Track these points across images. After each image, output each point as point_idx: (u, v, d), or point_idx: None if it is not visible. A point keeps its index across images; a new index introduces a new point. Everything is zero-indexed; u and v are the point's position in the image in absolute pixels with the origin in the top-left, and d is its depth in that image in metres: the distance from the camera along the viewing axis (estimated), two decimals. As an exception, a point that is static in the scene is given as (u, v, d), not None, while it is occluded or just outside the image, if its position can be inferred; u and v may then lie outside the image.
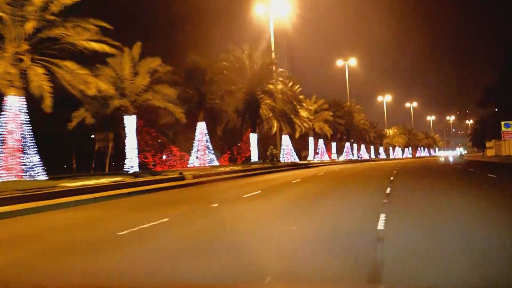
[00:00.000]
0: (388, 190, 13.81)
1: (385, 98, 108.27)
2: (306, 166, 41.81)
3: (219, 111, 37.87)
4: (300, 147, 73.90)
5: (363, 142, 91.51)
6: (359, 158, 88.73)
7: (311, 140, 64.42)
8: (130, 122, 26.39)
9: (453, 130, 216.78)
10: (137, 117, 27.06)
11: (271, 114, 47.90)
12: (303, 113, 55.00)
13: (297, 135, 59.66)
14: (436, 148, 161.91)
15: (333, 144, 75.33)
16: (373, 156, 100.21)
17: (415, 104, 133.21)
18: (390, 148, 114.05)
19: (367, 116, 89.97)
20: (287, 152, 54.92)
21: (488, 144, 75.20)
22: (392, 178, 19.70)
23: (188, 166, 35.53)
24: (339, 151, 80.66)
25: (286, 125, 48.49)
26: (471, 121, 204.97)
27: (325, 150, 69.54)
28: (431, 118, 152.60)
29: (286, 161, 53.79)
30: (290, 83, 54.75)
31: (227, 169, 27.90)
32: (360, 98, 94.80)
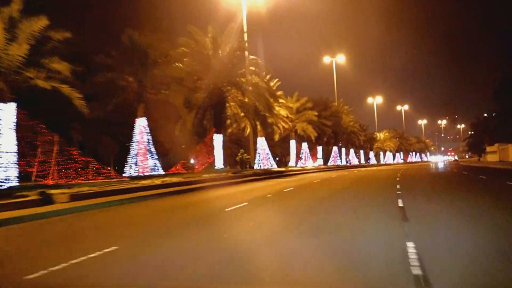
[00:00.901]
0: (411, 250, 5.25)
1: (376, 100, 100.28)
2: (281, 175, 33.03)
3: (166, 105, 28.92)
4: (284, 152, 65.19)
5: (352, 146, 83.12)
6: (348, 164, 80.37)
7: (292, 143, 55.71)
8: (5, 113, 17.44)
9: (442, 135, 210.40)
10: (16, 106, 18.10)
11: (242, 114, 39.21)
12: (282, 112, 46.34)
13: (276, 137, 51.13)
14: (428, 153, 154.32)
15: (319, 149, 66.77)
16: (362, 161, 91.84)
17: (406, 107, 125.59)
18: (381, 153, 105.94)
19: (356, 118, 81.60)
20: (263, 157, 46.15)
21: (489, 149, 67.10)
22: (401, 204, 11.01)
23: (123, 175, 26.68)
24: (326, 156, 72.22)
25: (260, 125, 39.82)
26: (463, 126, 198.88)
27: (309, 154, 60.91)
28: (422, 122, 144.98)
29: (262, 167, 45.06)
30: (268, 77, 46.19)
31: (157, 181, 19.05)
32: (348, 100, 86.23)
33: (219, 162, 35.59)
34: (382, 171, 39.05)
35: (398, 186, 16.83)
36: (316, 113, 53.92)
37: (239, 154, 39.78)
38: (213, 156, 36.27)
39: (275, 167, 46.25)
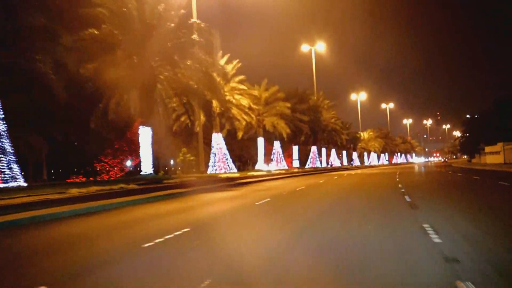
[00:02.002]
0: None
1: (359, 96, 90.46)
2: (229, 184, 22.36)
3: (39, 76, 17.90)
4: (255, 153, 54.54)
5: (334, 146, 73.09)
6: (329, 166, 70.43)
7: (260, 141, 45.19)
8: None
9: (425, 136, 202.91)
10: None
11: (178, 99, 28.58)
12: (244, 101, 35.76)
13: (240, 134, 40.73)
14: (414, 154, 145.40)
15: (295, 149, 56.49)
16: (345, 163, 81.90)
17: (391, 105, 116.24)
18: (365, 154, 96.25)
19: (338, 115, 71.25)
20: (219, 158, 35.64)
21: (489, 149, 57.64)
22: None
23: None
24: (303, 157, 62.07)
25: (205, 116, 29.28)
26: (448, 126, 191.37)
27: (282, 155, 50.48)
28: (408, 121, 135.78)
29: (218, 171, 34.62)
30: (225, 58, 35.74)
31: None
32: (330, 97, 75.33)
33: (146, 166, 25.05)
34: (370, 177, 28.84)
35: (428, 229, 6.52)
36: (288, 105, 43.52)
37: (180, 154, 29.27)
38: (139, 157, 25.83)
39: (234, 171, 35.72)
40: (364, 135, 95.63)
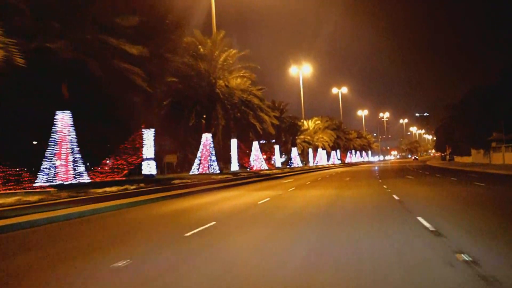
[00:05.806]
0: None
1: (302, 71, 60.05)
2: None
3: None
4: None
5: (256, 136, 42.29)
6: (248, 169, 40.04)
7: None
8: None
9: (374, 134, 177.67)
10: None
11: None
12: None
13: None
14: (369, 152, 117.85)
15: (147, 135, 25.00)
16: (278, 163, 51.65)
17: (344, 89, 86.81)
18: (310, 151, 66.25)
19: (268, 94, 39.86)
20: None
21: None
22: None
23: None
24: (181, 155, 30.78)
25: None
26: (406, 120, 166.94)
27: (76, 155, 18.53)
28: (363, 112, 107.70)
29: None
30: None
31: None
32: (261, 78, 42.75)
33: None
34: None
35: None
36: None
37: None
38: None
39: None
40: (309, 124, 65.79)
